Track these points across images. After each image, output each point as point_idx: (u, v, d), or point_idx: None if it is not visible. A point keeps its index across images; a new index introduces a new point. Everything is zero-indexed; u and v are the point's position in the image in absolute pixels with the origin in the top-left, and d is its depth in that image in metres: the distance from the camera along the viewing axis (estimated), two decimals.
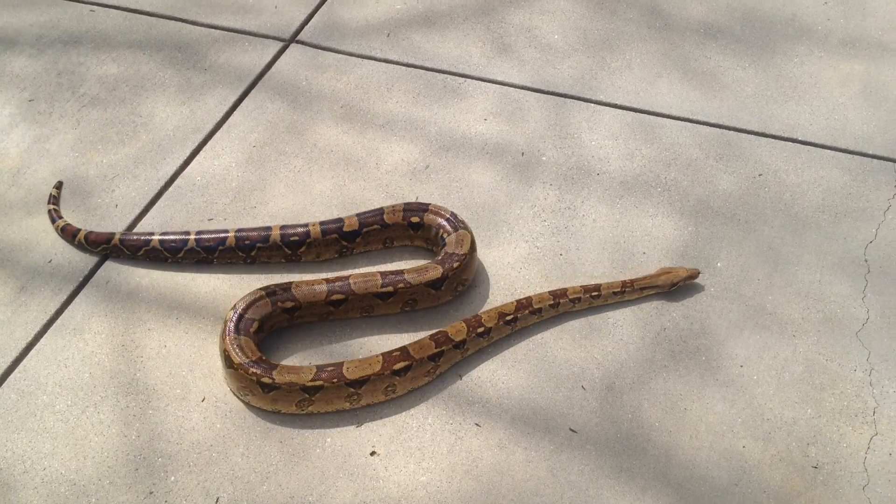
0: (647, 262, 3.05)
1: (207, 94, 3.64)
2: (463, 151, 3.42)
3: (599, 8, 4.01)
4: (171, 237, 3.01)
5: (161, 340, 2.82)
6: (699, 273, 2.99)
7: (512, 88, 3.67)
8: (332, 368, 2.61)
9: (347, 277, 2.86)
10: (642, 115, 3.56)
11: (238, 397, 2.67)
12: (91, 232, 3.06)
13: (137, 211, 3.19)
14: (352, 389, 2.60)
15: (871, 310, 2.91)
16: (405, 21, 3.97)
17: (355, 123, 3.52)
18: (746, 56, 3.78)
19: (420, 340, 2.74)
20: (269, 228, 3.01)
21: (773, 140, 3.46)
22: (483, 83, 3.69)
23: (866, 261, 3.05)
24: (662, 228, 3.16)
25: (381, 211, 3.06)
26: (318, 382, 2.57)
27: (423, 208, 3.05)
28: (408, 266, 2.94)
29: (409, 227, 3.05)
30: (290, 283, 2.84)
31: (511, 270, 3.03)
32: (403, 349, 2.69)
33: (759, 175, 3.33)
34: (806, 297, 2.95)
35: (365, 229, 3.02)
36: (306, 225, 3.02)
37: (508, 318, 2.83)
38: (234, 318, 2.71)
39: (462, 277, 2.91)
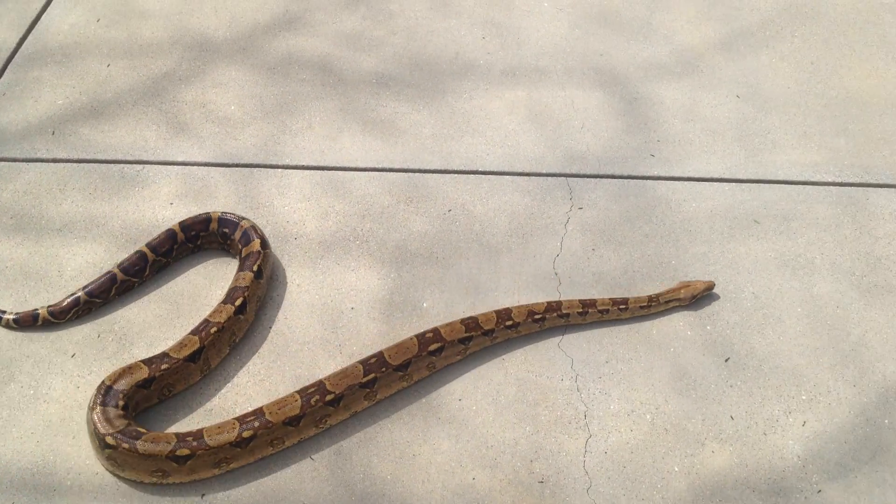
0: (356, 317, 3.07)
1: None
2: None
3: (272, 73, 4.02)
4: (126, 264, 3.13)
5: None
6: (714, 284, 3.14)
7: (195, 167, 3.59)
8: (374, 360, 2.80)
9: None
10: (330, 171, 3.60)
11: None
12: (52, 305, 3.01)
13: None
14: (400, 373, 2.81)
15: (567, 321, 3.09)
16: (70, 116, 3.77)
17: (29, 233, 3.29)
18: (420, 99, 3.93)
19: (451, 323, 2.93)
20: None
21: (456, 175, 3.61)
22: (164, 166, 3.58)
23: (556, 274, 3.24)
24: (366, 280, 3.20)
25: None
26: (371, 376, 2.76)
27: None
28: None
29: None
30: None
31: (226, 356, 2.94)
32: (436, 331, 2.90)
33: (449, 211, 3.46)
34: None
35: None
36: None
37: (537, 316, 2.99)
38: None
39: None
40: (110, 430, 2.55)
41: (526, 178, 3.61)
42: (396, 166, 3.63)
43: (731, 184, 3.58)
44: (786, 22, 4.35)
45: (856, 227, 3.41)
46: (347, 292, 3.16)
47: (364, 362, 2.79)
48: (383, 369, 2.77)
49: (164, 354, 2.80)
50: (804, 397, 2.87)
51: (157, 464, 2.52)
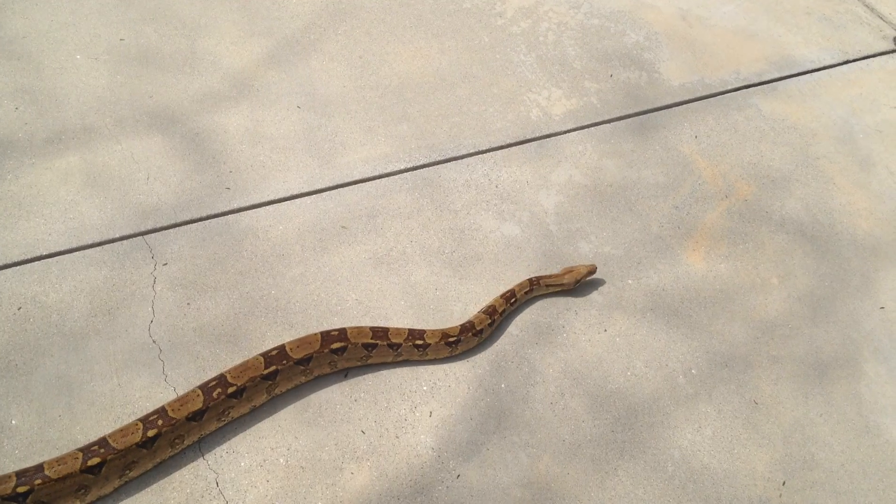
0: None
1: None
2: None
3: None
4: None
5: None
6: (596, 268, 3.23)
7: None
8: (276, 352, 2.75)
9: None
10: None
11: None
12: None
13: None
14: (302, 367, 2.78)
15: (176, 387, 2.87)
16: None
17: None
18: None
19: (360, 327, 2.87)
20: None
21: (18, 267, 3.22)
22: None
23: (154, 342, 3.00)
24: None
25: None
26: (273, 368, 2.71)
27: None
28: None
29: None
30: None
31: None
32: (342, 330, 2.84)
33: (19, 309, 3.07)
34: (106, 408, 2.79)
35: None
36: None
37: (451, 339, 2.92)
38: None
39: None
40: None
41: (98, 248, 3.31)
42: None
43: (313, 196, 3.55)
44: (327, 22, 4.40)
45: (435, 206, 3.52)
46: None
47: (265, 354, 2.75)
48: (284, 362, 2.73)
49: None
50: (425, 388, 2.90)
51: None
